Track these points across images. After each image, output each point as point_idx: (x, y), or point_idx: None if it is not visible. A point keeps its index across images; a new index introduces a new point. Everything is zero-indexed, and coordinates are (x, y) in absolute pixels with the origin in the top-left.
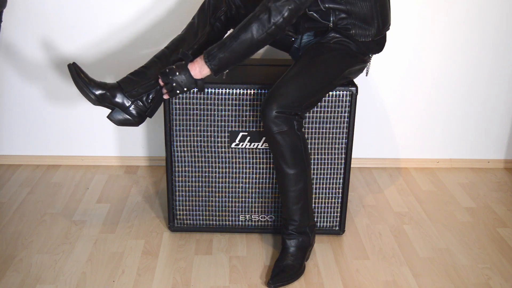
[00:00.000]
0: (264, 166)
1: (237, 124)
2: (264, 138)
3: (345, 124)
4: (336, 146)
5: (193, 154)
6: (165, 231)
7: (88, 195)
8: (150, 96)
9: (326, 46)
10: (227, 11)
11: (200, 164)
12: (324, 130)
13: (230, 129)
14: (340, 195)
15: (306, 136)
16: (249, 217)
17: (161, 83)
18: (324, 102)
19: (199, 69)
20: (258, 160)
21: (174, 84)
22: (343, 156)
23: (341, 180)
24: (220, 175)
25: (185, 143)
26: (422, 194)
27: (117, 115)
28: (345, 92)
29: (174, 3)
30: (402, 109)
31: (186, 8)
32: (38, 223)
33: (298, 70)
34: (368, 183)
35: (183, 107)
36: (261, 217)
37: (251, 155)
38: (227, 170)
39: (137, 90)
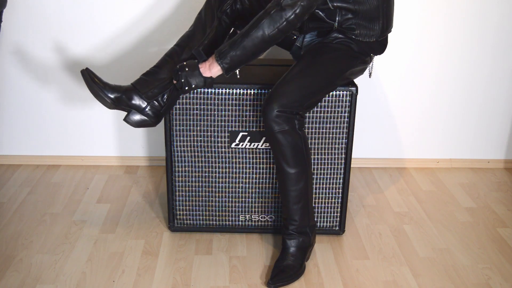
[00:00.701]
0: (264, 166)
1: (237, 124)
2: (264, 138)
3: (345, 124)
4: (336, 146)
5: (193, 154)
6: (165, 231)
7: (88, 195)
8: (165, 96)
9: (328, 46)
10: (233, 4)
11: (200, 164)
12: (324, 130)
13: (230, 129)
14: (340, 195)
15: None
16: (249, 217)
17: (174, 81)
18: (324, 102)
19: (209, 67)
20: (258, 160)
21: (183, 81)
22: (343, 156)
23: (341, 180)
24: (220, 175)
25: (185, 143)
26: (422, 194)
27: (134, 116)
28: (345, 92)
29: (177, 2)
30: (402, 109)
31: (192, 4)
32: (38, 223)
33: (299, 69)
34: (368, 183)
35: (183, 107)
36: (261, 217)
37: (251, 155)
38: (227, 170)
39: (152, 91)
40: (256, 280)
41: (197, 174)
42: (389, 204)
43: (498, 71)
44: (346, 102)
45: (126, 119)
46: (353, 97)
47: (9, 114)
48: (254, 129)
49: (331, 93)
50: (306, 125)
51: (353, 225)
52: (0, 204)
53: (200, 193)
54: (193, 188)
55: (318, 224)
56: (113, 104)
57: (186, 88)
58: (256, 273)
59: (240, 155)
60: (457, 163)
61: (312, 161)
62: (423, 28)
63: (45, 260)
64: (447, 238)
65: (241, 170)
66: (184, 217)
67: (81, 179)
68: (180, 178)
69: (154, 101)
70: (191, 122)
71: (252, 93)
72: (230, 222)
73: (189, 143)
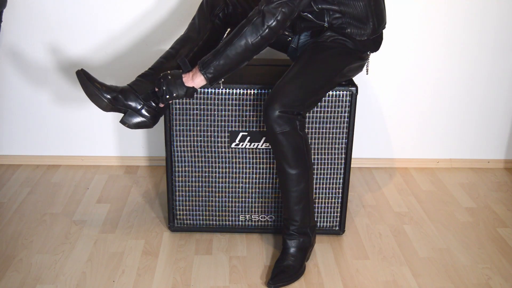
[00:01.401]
0: (264, 166)
1: (237, 124)
2: (264, 138)
3: (345, 124)
4: (336, 146)
5: (193, 154)
6: (165, 231)
7: (88, 195)
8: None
9: (324, 45)
10: (225, 8)
11: (200, 164)
12: (324, 130)
13: (230, 129)
14: (340, 195)
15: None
16: (249, 217)
17: (156, 88)
18: (324, 102)
19: (192, 77)
20: (258, 160)
21: (164, 89)
22: (343, 156)
23: (341, 180)
24: (220, 175)
25: (185, 143)
26: (422, 194)
27: (131, 118)
28: (345, 92)
29: (175, 3)
30: (402, 109)
31: (187, 7)
32: (38, 223)
33: (298, 69)
34: (368, 183)
35: (183, 107)
36: (261, 217)
37: (251, 155)
38: (227, 170)
39: (148, 93)
40: (256, 280)
41: (197, 174)
42: (389, 204)
43: (498, 71)
44: (346, 102)
45: (122, 121)
46: (353, 97)
47: (9, 114)
48: (254, 129)
49: (331, 93)
50: (306, 125)
51: (353, 225)
52: (0, 204)
53: (200, 193)
54: (193, 188)
55: (318, 224)
56: (110, 104)
57: (167, 96)
58: (256, 273)
59: (240, 155)
60: (457, 163)
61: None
62: (423, 28)
63: (45, 260)
64: (447, 238)
65: (241, 170)
66: (184, 217)
67: (81, 179)
68: (180, 178)
69: (151, 102)
70: (191, 122)
71: (252, 93)
72: (230, 222)
73: (189, 143)
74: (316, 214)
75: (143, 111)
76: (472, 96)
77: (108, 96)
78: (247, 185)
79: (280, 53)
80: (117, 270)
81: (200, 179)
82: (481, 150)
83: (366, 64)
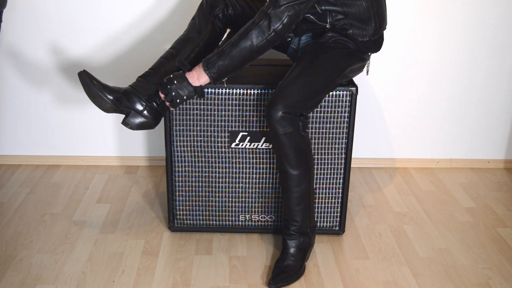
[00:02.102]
0: (264, 166)
1: (237, 124)
2: (264, 138)
3: (345, 124)
4: (336, 146)
5: (193, 154)
6: (165, 231)
7: (88, 195)
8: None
9: (325, 46)
10: (224, 9)
11: (200, 164)
12: (324, 130)
13: (230, 129)
14: (340, 195)
15: None
16: (249, 217)
17: (162, 95)
18: (324, 102)
19: (197, 76)
20: (258, 160)
21: (173, 94)
22: (343, 156)
23: (341, 180)
24: (220, 175)
25: (185, 143)
26: (422, 194)
27: (134, 119)
28: (345, 92)
29: (175, 3)
30: (402, 109)
31: (187, 8)
32: (38, 223)
33: (300, 70)
34: (368, 183)
35: (183, 107)
36: (261, 217)
37: (251, 155)
38: (227, 170)
39: (150, 93)
40: (256, 280)
41: (197, 174)
42: (389, 204)
43: (498, 71)
44: (346, 102)
45: (125, 122)
46: (353, 97)
47: (9, 114)
48: (254, 129)
49: (331, 93)
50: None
51: (353, 225)
52: (0, 204)
53: (200, 193)
54: (193, 188)
55: (318, 224)
56: (113, 105)
57: (178, 101)
58: (256, 273)
59: (240, 155)
60: (457, 163)
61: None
62: (423, 28)
63: (45, 260)
64: (447, 238)
65: (241, 170)
66: (184, 217)
67: (81, 179)
68: (180, 178)
69: (153, 103)
70: (191, 122)
71: (252, 93)
72: (230, 222)
73: (189, 143)
74: (316, 214)
75: (145, 112)
76: (472, 96)
77: (111, 98)
78: (247, 185)
79: (281, 53)
80: (117, 270)
81: (200, 179)
82: (481, 150)
83: (367, 65)
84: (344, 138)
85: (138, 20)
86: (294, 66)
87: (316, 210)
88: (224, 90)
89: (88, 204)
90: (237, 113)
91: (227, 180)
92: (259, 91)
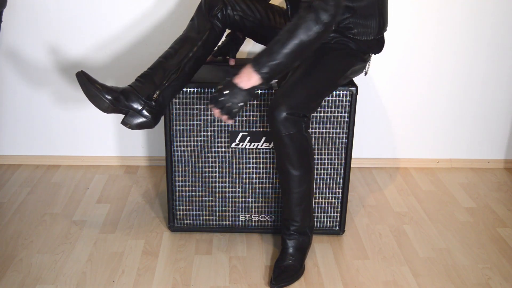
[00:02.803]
0: (264, 166)
1: (237, 124)
2: (264, 138)
3: (345, 124)
4: (336, 146)
5: (193, 154)
6: (165, 231)
7: (88, 195)
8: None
9: (327, 47)
10: (223, 9)
11: (200, 164)
12: (324, 130)
13: (230, 129)
14: (340, 195)
15: None
16: (249, 217)
17: (216, 110)
18: (324, 102)
19: (247, 78)
20: (258, 160)
21: (228, 104)
22: (343, 156)
23: (341, 180)
24: (220, 175)
25: (185, 143)
26: (422, 194)
27: (133, 119)
28: (345, 92)
29: (174, 3)
30: (402, 109)
31: (186, 8)
32: (38, 223)
33: (303, 71)
34: (368, 183)
35: (183, 107)
36: (261, 217)
37: (251, 155)
38: (227, 170)
39: (148, 93)
40: (256, 280)
41: (197, 174)
42: (389, 204)
43: (498, 71)
44: (346, 102)
45: (124, 122)
46: (353, 97)
47: (9, 114)
48: (254, 129)
49: (331, 93)
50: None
51: (353, 225)
52: (0, 204)
53: (200, 193)
54: (193, 188)
55: (318, 224)
56: (111, 105)
57: (235, 110)
58: (256, 273)
59: (240, 155)
60: (457, 163)
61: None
62: (422, 27)
63: (45, 260)
64: (447, 238)
65: (241, 170)
66: (184, 217)
67: (81, 179)
68: (180, 178)
69: (152, 102)
70: (191, 122)
71: None
72: (230, 222)
73: (189, 143)
74: (316, 214)
75: (144, 112)
76: (472, 96)
77: (109, 97)
78: (247, 185)
79: None
80: (117, 270)
81: (200, 179)
82: (481, 150)
83: (366, 66)
84: (344, 138)
85: (137, 20)
86: (297, 68)
87: (316, 210)
88: None
89: (88, 204)
90: None
91: (227, 180)
92: (259, 91)
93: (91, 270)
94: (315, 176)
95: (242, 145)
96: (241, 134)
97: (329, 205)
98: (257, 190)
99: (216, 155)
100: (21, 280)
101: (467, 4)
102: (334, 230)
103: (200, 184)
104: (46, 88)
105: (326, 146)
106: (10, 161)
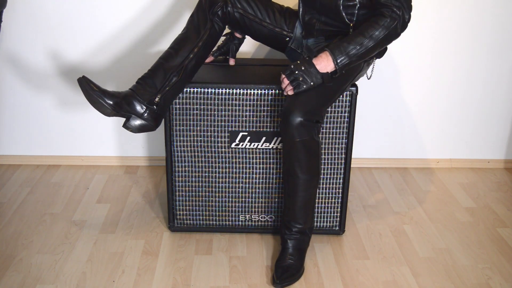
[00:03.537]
0: (264, 166)
1: (237, 124)
2: (264, 138)
3: (345, 124)
4: (336, 146)
5: (193, 154)
6: (165, 231)
7: (88, 195)
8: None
9: None
10: (223, 6)
11: (200, 164)
12: (324, 130)
13: (230, 129)
14: (340, 195)
15: None
16: (249, 217)
17: (286, 80)
18: None
19: (326, 63)
20: (258, 160)
21: (301, 79)
22: (343, 156)
23: (341, 180)
24: (220, 175)
25: (185, 143)
26: (422, 194)
27: (134, 122)
28: (345, 92)
29: (174, 3)
30: (402, 109)
31: (186, 8)
32: (38, 223)
33: None
34: (368, 183)
35: (183, 107)
36: (261, 217)
37: (251, 155)
38: (227, 170)
39: (150, 96)
40: (256, 280)
41: (197, 174)
42: (389, 204)
43: (497, 71)
44: (346, 102)
45: (125, 125)
46: (353, 97)
47: (9, 114)
48: (254, 129)
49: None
50: None
51: (353, 225)
52: (0, 204)
53: (200, 193)
54: (193, 188)
55: (318, 224)
56: (113, 110)
57: (305, 86)
58: (256, 273)
59: (240, 155)
60: (457, 163)
61: None
62: (422, 27)
63: (45, 260)
64: (447, 238)
65: (241, 170)
66: (184, 217)
67: (81, 179)
68: (180, 178)
69: (154, 106)
70: (191, 122)
71: (252, 93)
72: (230, 222)
73: (189, 143)
74: (316, 214)
75: (146, 115)
76: (472, 96)
77: (111, 102)
78: (247, 185)
79: (280, 54)
80: (117, 270)
81: (200, 179)
82: (481, 150)
83: (371, 69)
84: (344, 138)
85: (137, 20)
86: None
87: (316, 210)
88: (224, 90)
89: (88, 204)
90: (237, 113)
91: (227, 180)
92: (259, 91)
93: (91, 270)
94: (321, 180)
95: (242, 145)
96: (241, 134)
97: (329, 205)
98: (257, 190)
99: (216, 155)
100: (21, 280)
101: (467, 4)
102: (334, 230)
103: (200, 184)
104: (46, 88)
105: (326, 146)
106: (10, 161)
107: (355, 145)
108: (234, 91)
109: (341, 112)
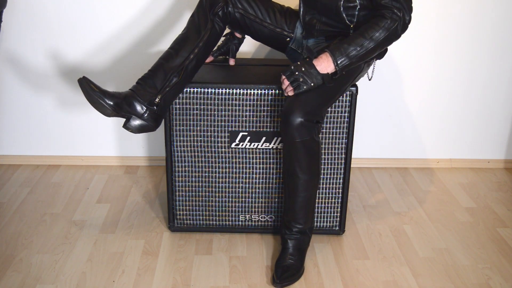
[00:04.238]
0: (264, 166)
1: (237, 124)
2: (264, 138)
3: (345, 124)
4: (336, 146)
5: (193, 154)
6: (165, 231)
7: (88, 195)
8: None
9: None
10: (224, 7)
11: (200, 164)
12: (324, 130)
13: (230, 129)
14: (340, 195)
15: None
16: (249, 217)
17: (286, 81)
18: None
19: (326, 65)
20: (258, 160)
21: (301, 80)
22: (343, 156)
23: (341, 180)
24: (220, 175)
25: (185, 143)
26: (422, 194)
27: (134, 122)
28: (345, 92)
29: (174, 3)
30: (402, 109)
31: (186, 8)
32: (38, 223)
33: None
34: (368, 183)
35: (183, 107)
36: (261, 217)
37: (251, 155)
38: (227, 170)
39: (150, 96)
40: (256, 280)
41: (197, 174)
42: (389, 204)
43: (498, 71)
44: (346, 102)
45: (126, 126)
46: (353, 97)
47: (10, 114)
48: (254, 129)
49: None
50: None
51: (353, 225)
52: (0, 204)
53: (200, 193)
54: (193, 188)
55: (318, 224)
56: (114, 111)
57: (305, 87)
58: (256, 273)
59: (240, 155)
60: (457, 163)
61: None
62: (422, 27)
63: (45, 260)
64: (447, 238)
65: (241, 170)
66: (184, 217)
67: (81, 179)
68: (180, 178)
69: (154, 107)
70: (191, 122)
71: (252, 93)
72: (230, 222)
73: (189, 143)
74: (316, 214)
75: (146, 116)
76: (472, 96)
77: (111, 103)
78: (247, 185)
79: (281, 54)
80: (117, 270)
81: (200, 179)
82: (481, 150)
83: (372, 70)
84: (344, 138)
85: (137, 20)
86: None
87: (316, 210)
88: (224, 90)
89: (88, 204)
90: (237, 113)
91: (227, 180)
92: (259, 91)
93: (91, 270)
94: (321, 180)
95: (242, 145)
96: (241, 134)
97: (329, 205)
98: (257, 190)
99: (216, 155)
100: (21, 280)
101: (467, 4)
102: (334, 230)
103: (200, 184)
104: (46, 89)
105: (326, 146)
106: (10, 161)
107: (355, 145)
108: (234, 91)
109: (341, 112)
